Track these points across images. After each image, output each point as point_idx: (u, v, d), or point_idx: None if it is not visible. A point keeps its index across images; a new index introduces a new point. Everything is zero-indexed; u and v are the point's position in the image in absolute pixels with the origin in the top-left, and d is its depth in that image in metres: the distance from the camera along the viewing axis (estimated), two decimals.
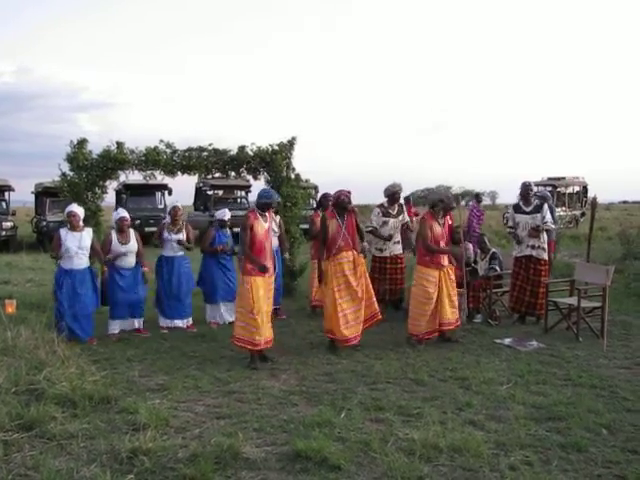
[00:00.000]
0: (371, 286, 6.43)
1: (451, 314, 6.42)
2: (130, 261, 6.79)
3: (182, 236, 7.08)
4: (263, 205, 5.77)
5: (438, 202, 6.51)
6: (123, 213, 6.88)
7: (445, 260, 6.45)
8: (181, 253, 7.18)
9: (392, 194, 8.02)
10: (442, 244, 6.43)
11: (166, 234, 7.05)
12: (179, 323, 7.18)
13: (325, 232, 6.16)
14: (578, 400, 4.59)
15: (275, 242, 6.99)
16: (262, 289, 5.60)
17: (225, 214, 7.56)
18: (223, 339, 6.62)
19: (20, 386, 4.60)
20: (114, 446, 3.76)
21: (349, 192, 6.33)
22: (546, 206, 7.45)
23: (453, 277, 6.54)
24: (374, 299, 6.42)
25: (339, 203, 6.20)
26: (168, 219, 7.20)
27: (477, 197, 11.56)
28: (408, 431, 4.00)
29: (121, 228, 6.77)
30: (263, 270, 5.57)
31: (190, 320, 7.28)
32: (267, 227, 5.78)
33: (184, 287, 7.15)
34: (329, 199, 7.45)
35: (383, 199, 8.19)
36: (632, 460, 3.62)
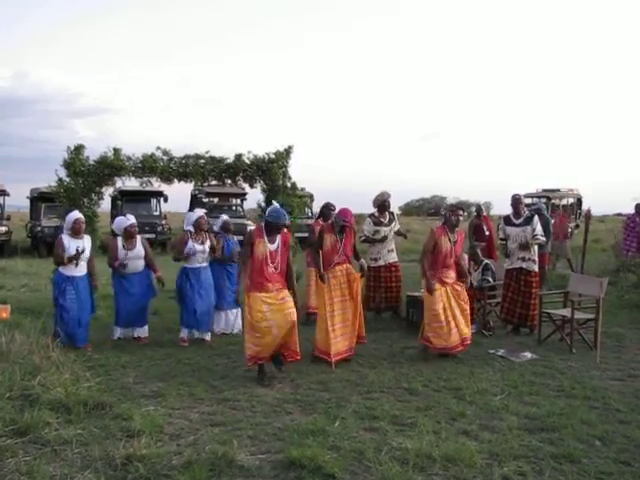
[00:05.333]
0: (362, 310, 6.28)
1: (467, 330, 6.31)
2: (135, 266, 6.71)
3: (207, 247, 6.81)
4: (268, 225, 5.36)
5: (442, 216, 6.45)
6: (132, 219, 6.75)
7: (449, 277, 6.26)
8: (205, 264, 6.89)
9: (381, 203, 8.17)
10: (450, 261, 6.22)
11: (190, 245, 6.69)
12: (207, 336, 6.90)
13: (320, 244, 6.07)
14: (571, 411, 4.60)
15: None
16: (265, 305, 5.26)
17: (222, 219, 7.47)
18: (218, 347, 6.63)
19: (14, 391, 4.58)
20: (108, 452, 3.75)
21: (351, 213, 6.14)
22: (536, 218, 7.45)
23: (462, 294, 6.30)
24: (362, 323, 6.30)
25: (342, 224, 6.02)
26: (191, 229, 6.83)
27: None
28: (402, 440, 4.00)
29: (130, 234, 6.70)
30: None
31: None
32: (271, 250, 5.32)
33: (211, 299, 6.90)
34: (331, 209, 7.44)
35: (373, 209, 8.30)
36: (625, 472, 3.64)
